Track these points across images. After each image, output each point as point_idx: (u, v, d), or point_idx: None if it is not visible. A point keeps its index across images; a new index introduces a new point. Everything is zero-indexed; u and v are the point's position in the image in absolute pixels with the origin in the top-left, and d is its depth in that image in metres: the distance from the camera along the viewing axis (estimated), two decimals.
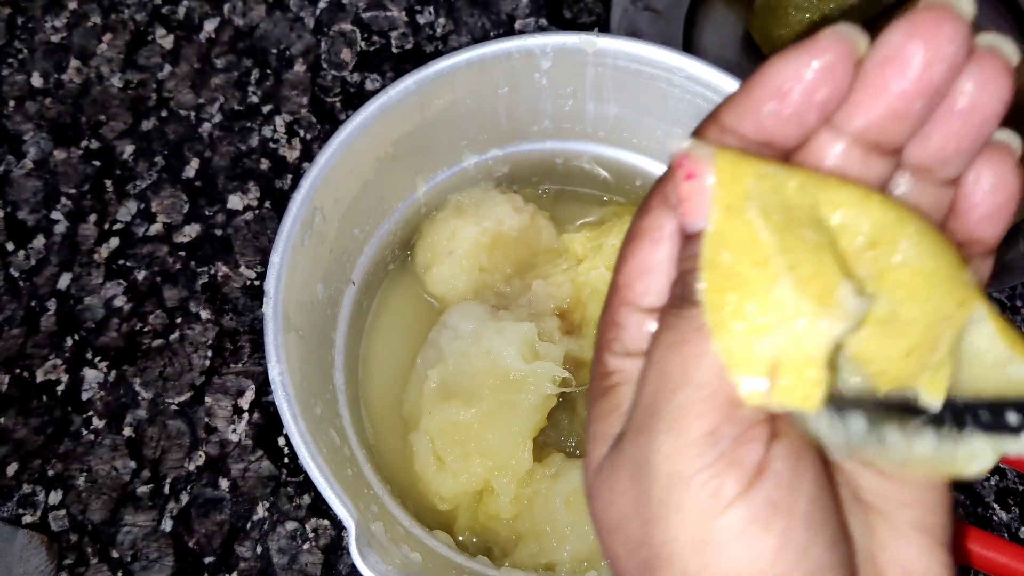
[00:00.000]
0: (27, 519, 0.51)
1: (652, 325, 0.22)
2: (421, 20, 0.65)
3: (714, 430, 0.19)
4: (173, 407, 0.54)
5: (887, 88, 0.20)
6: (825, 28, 0.20)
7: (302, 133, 0.61)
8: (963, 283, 0.21)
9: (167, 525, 0.51)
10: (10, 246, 0.58)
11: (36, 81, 0.63)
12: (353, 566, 0.50)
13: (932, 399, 0.21)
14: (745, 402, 0.20)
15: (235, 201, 0.59)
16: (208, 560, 0.50)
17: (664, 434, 0.20)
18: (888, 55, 0.20)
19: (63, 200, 0.59)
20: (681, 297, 0.21)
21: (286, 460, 0.53)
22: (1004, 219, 0.22)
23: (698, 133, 0.22)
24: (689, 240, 0.21)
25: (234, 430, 0.53)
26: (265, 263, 0.50)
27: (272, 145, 0.61)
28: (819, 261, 0.20)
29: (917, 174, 0.22)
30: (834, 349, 0.20)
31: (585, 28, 0.65)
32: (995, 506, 0.52)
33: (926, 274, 0.21)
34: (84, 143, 0.61)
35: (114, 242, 0.58)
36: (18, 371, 0.55)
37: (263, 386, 0.54)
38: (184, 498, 0.52)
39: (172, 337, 0.55)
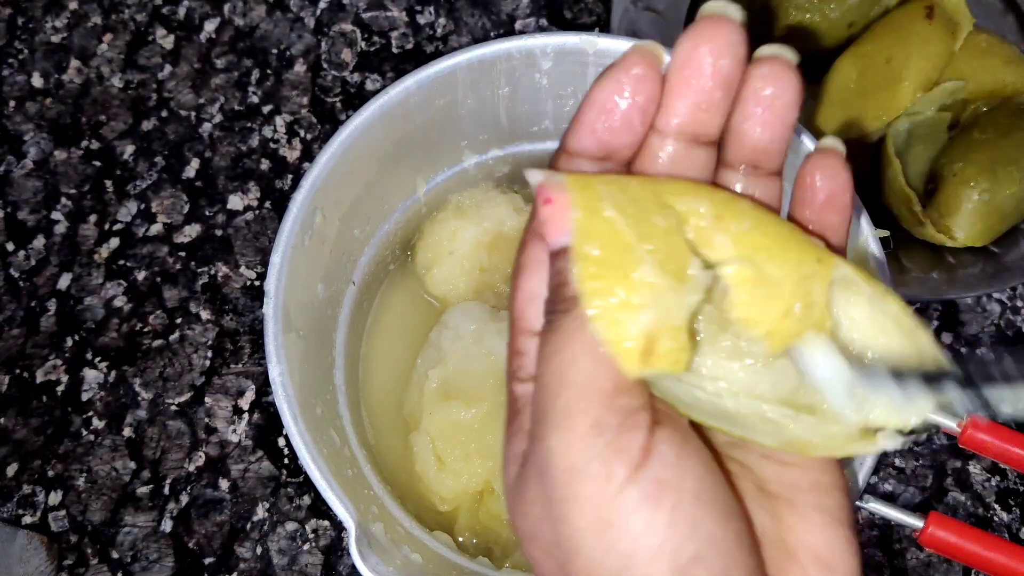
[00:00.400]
0: (27, 520, 0.51)
1: None
2: (421, 20, 0.65)
3: (598, 422, 0.21)
4: (173, 407, 0.54)
5: (690, 85, 0.24)
6: (633, 46, 0.25)
7: (302, 133, 0.61)
8: (813, 245, 0.25)
9: (167, 526, 0.51)
10: (10, 246, 0.58)
11: (36, 81, 0.63)
12: (353, 567, 0.50)
13: (816, 349, 0.24)
14: (627, 375, 0.22)
15: (235, 201, 0.59)
16: (208, 561, 0.50)
17: (554, 435, 0.22)
18: (684, 59, 0.24)
19: (63, 200, 0.59)
20: (552, 311, 0.23)
21: (286, 461, 0.52)
22: (844, 207, 0.26)
23: (552, 165, 0.26)
24: (554, 258, 0.24)
25: (234, 431, 0.53)
26: (265, 263, 0.50)
27: (272, 145, 0.61)
28: (671, 243, 0.23)
29: (747, 171, 0.26)
30: (694, 315, 0.23)
31: (586, 28, 0.65)
32: (996, 506, 0.52)
33: (774, 236, 0.24)
34: (84, 143, 0.61)
35: (114, 242, 0.58)
36: (18, 371, 0.55)
37: (263, 386, 0.54)
38: (184, 499, 0.52)
39: (172, 337, 0.55)
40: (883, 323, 0.24)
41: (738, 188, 0.26)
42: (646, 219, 0.23)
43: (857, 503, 0.37)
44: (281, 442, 0.53)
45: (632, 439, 0.21)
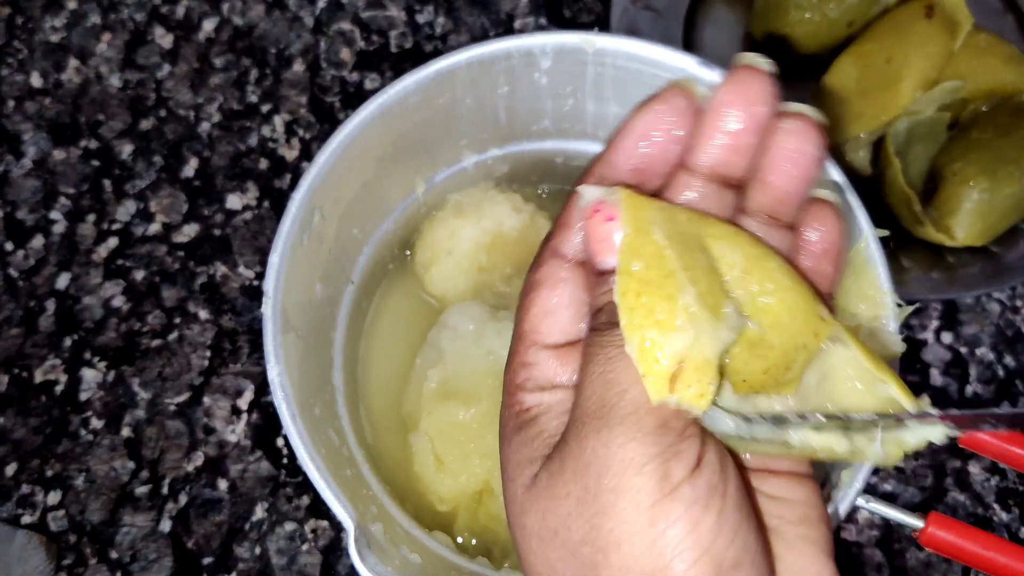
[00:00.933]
0: (26, 519, 0.51)
1: (558, 361, 0.26)
2: (420, 19, 0.65)
3: (665, 424, 0.22)
4: (172, 407, 0.54)
5: (725, 127, 0.25)
6: (672, 81, 0.26)
7: (301, 132, 0.61)
8: (818, 316, 0.25)
9: (166, 526, 0.51)
10: (9, 246, 0.58)
11: (35, 81, 0.63)
12: (352, 567, 0.50)
13: (781, 404, 0.26)
14: (652, 399, 0.22)
15: (234, 201, 0.59)
16: (207, 561, 0.50)
17: (619, 427, 0.22)
18: (721, 103, 0.25)
19: (62, 200, 0.59)
20: (608, 323, 0.24)
21: (285, 461, 0.52)
22: (838, 255, 0.28)
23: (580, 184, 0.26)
24: (603, 276, 0.24)
25: (233, 430, 0.53)
26: (264, 263, 0.50)
27: (271, 145, 0.61)
28: (710, 280, 0.23)
29: (765, 220, 0.27)
30: (721, 357, 0.23)
31: (585, 27, 0.65)
32: (995, 506, 0.52)
33: (788, 305, 0.25)
34: (83, 143, 0.61)
35: (113, 242, 0.58)
36: (17, 371, 0.55)
37: (262, 386, 0.54)
38: (183, 499, 0.51)
39: (171, 337, 0.55)
40: (853, 384, 0.26)
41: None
42: (689, 252, 0.23)
43: (857, 503, 0.37)
44: (280, 442, 0.53)
45: (691, 445, 0.22)
